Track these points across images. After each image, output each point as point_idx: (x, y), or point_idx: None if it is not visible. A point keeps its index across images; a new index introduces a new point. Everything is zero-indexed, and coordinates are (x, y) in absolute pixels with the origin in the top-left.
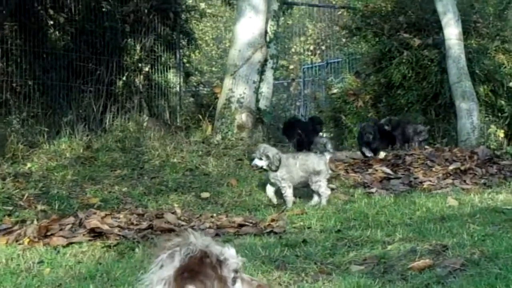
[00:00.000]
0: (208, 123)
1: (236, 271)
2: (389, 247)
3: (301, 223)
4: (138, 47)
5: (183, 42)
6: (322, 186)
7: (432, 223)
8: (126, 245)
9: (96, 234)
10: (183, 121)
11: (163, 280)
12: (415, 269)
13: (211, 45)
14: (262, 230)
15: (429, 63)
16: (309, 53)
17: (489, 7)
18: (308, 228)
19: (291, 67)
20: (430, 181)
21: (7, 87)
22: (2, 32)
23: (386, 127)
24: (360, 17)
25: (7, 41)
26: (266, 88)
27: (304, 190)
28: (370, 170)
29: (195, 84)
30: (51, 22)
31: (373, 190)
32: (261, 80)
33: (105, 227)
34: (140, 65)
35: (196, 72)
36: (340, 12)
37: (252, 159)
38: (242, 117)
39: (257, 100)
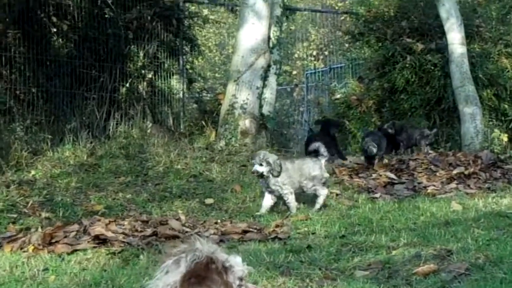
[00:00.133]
0: (211, 129)
1: (241, 278)
2: (393, 252)
3: (306, 229)
4: (141, 54)
5: (186, 49)
6: (318, 188)
7: (437, 228)
8: (131, 252)
9: (100, 241)
10: (187, 127)
11: (169, 285)
12: (419, 274)
13: (214, 51)
14: (266, 236)
15: (432, 67)
16: (312, 59)
17: (491, 11)
18: (313, 233)
19: (294, 72)
20: (434, 185)
21: (11, 95)
22: (6, 40)
23: (390, 131)
24: (363, 22)
25: (10, 48)
26: (269, 94)
27: (309, 195)
28: (374, 175)
29: (198, 90)
30: (54, 30)
31: (377, 195)
32: (264, 86)
33: (110, 234)
34: (143, 71)
35: (199, 78)
36: (343, 18)
37: (252, 166)
38: (246, 123)
39: (261, 106)
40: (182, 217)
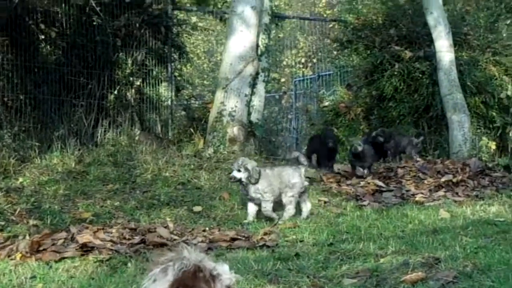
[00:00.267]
0: (200, 136)
1: (228, 287)
2: (381, 260)
3: (294, 237)
4: (129, 61)
5: (175, 56)
6: (292, 202)
7: (425, 235)
8: (119, 260)
9: (88, 248)
10: (175, 134)
11: None
12: (407, 282)
13: (203, 58)
14: (254, 244)
15: (420, 75)
16: (301, 66)
17: (480, 19)
18: (301, 241)
19: (283, 80)
20: (422, 193)
21: None
22: None
23: (380, 139)
24: (351, 30)
25: None
26: (257, 101)
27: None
28: (362, 183)
29: (186, 97)
30: (43, 37)
31: (365, 203)
32: (252, 93)
33: (98, 241)
34: (131, 79)
35: (188, 86)
36: (331, 25)
37: (230, 172)
38: (234, 131)
39: (249, 113)
40: (170, 225)
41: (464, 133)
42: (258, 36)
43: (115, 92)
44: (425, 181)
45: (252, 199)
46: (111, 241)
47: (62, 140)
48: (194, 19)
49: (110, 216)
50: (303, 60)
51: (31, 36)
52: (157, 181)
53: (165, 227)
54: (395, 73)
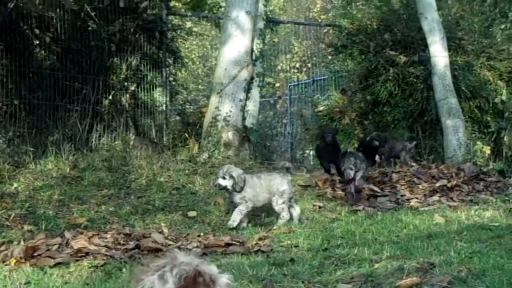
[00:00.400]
0: (194, 141)
1: None
2: (376, 265)
3: (288, 242)
4: (124, 66)
5: (169, 61)
6: (285, 209)
7: (419, 240)
8: (113, 265)
9: (83, 254)
10: (170, 139)
11: None
12: (402, 287)
13: (198, 63)
14: (249, 249)
15: (415, 80)
16: (295, 71)
17: (474, 24)
18: (295, 246)
19: (277, 84)
20: (417, 198)
21: None
22: None
23: (376, 143)
24: (345, 34)
25: None
26: (252, 106)
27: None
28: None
29: (181, 102)
30: (37, 42)
31: (360, 207)
32: (247, 98)
33: (92, 247)
34: (126, 84)
35: (183, 90)
36: (326, 30)
37: (215, 179)
38: (229, 135)
39: (244, 118)
40: (165, 230)
41: (458, 137)
42: (252, 41)
43: (110, 97)
44: (420, 186)
45: (236, 206)
46: (105, 246)
47: (56, 145)
48: (188, 24)
49: (104, 221)
50: (297, 65)
51: (25, 41)
52: (151, 186)
53: (160, 233)
54: (390, 77)
